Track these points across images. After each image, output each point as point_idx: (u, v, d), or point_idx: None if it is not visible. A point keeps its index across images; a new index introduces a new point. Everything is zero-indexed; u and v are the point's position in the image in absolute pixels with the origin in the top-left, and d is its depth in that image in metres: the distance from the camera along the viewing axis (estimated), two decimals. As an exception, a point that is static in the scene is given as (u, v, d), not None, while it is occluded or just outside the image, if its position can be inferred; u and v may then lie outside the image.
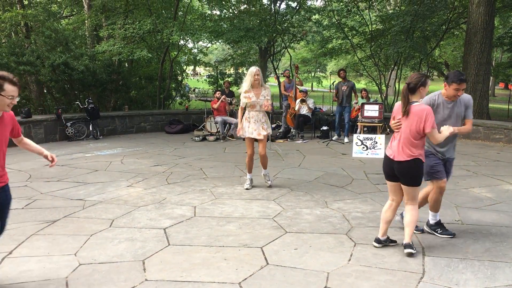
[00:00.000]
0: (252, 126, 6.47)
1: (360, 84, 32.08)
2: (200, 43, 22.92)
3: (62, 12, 21.72)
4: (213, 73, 22.58)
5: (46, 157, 3.66)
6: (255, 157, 6.72)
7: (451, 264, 3.86)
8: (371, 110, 10.07)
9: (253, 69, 6.50)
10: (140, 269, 3.81)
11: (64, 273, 3.73)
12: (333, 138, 11.61)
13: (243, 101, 6.49)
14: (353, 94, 11.71)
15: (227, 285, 3.52)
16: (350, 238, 4.52)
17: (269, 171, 6.87)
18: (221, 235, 4.63)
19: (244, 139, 6.75)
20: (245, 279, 3.62)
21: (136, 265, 3.89)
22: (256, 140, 6.56)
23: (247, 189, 6.56)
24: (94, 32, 16.96)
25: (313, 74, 49.07)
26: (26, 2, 17.78)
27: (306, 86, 41.77)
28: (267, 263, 3.92)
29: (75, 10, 20.77)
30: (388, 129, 13.07)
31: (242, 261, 3.97)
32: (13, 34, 15.85)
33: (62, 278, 3.64)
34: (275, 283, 3.55)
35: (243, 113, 6.64)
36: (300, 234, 4.66)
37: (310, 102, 12.29)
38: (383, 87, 17.75)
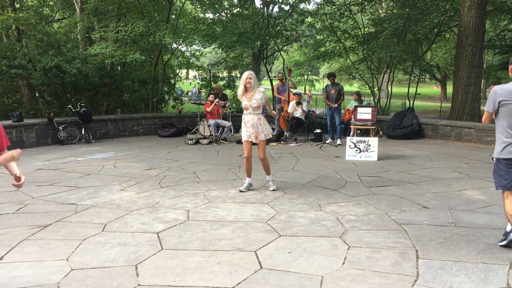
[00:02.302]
0: (249, 129, 6.56)
1: (353, 87, 32.21)
2: (194, 46, 22.91)
3: (54, 15, 21.62)
4: (206, 76, 22.59)
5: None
6: (256, 161, 6.87)
7: (445, 267, 3.86)
8: (364, 113, 10.08)
9: (245, 73, 6.58)
10: (133, 274, 3.78)
11: (56, 278, 3.69)
12: (327, 141, 11.63)
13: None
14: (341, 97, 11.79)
15: (221, 290, 3.50)
16: (344, 241, 4.51)
17: (272, 177, 6.87)
18: (214, 239, 4.60)
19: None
20: (239, 283, 3.60)
21: (129, 270, 3.85)
22: (254, 143, 6.66)
23: (241, 191, 6.57)
24: (86, 35, 16.88)
25: (306, 77, 49.23)
26: (17, 6, 17.68)
27: (299, 89, 41.89)
28: (261, 267, 3.90)
29: (67, 13, 20.68)
30: (381, 132, 13.12)
31: (236, 265, 3.94)
32: (4, 38, 15.75)
33: (54, 283, 3.60)
34: (269, 287, 3.53)
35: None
36: (294, 237, 4.64)
37: (303, 105, 12.32)
38: (376, 90, 17.82)
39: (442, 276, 3.68)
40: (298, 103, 12.07)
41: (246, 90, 6.53)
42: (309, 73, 48.63)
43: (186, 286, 3.55)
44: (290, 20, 18.69)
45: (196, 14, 20.44)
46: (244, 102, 6.54)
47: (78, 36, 17.75)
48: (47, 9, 21.47)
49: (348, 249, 4.31)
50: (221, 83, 21.89)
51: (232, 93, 21.06)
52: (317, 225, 5.04)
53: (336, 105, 11.33)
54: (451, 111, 14.51)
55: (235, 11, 21.35)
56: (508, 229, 4.25)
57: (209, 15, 21.75)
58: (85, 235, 4.70)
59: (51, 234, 4.73)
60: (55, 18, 21.62)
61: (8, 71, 11.96)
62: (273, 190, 6.64)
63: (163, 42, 13.82)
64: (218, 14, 20.90)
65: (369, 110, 10.14)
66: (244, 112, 6.66)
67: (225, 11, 21.83)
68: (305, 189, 6.73)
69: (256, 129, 6.56)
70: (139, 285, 3.58)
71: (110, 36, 14.51)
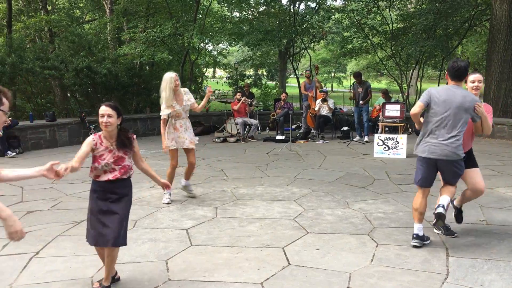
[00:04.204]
0: (183, 135, 5.94)
1: (381, 84, 31.78)
2: (220, 45, 23.06)
3: (84, 17, 22.12)
4: (233, 74, 22.72)
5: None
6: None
7: (475, 265, 3.81)
8: (393, 110, 9.96)
9: (171, 74, 5.77)
10: (163, 269, 3.86)
11: (90, 272, 3.80)
12: (355, 139, 11.54)
13: (165, 112, 5.80)
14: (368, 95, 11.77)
15: (250, 285, 3.54)
16: (372, 239, 4.49)
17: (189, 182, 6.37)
18: (242, 235, 4.65)
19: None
20: (267, 279, 3.63)
21: (159, 265, 3.94)
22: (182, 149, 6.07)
23: (168, 203, 5.92)
24: (116, 36, 17.20)
25: (333, 75, 48.90)
26: (49, 8, 18.17)
27: (326, 87, 41.55)
28: (289, 264, 3.93)
29: (97, 15, 21.13)
30: (410, 129, 12.94)
31: (264, 261, 3.98)
32: (37, 39, 16.21)
33: (87, 277, 3.71)
34: (297, 283, 3.56)
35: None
36: (321, 234, 4.65)
37: (330, 102, 12.26)
38: (405, 87, 17.57)
39: (473, 274, 3.64)
40: (324, 100, 12.03)
41: (173, 93, 5.78)
42: (334, 70, 48.23)
43: (215, 282, 3.61)
44: (316, 17, 18.60)
45: (222, 13, 20.56)
46: (177, 108, 5.79)
47: (108, 37, 18.10)
48: (77, 11, 21.98)
49: (377, 246, 4.29)
50: (248, 81, 21.96)
51: (259, 91, 21.11)
52: (344, 222, 5.03)
53: (362, 102, 11.26)
54: (483, 107, 14.17)
55: (261, 9, 21.39)
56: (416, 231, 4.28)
57: (236, 14, 21.87)
58: (116, 231, 4.81)
59: (84, 230, 4.80)
60: (86, 19, 22.11)
61: (41, 72, 12.30)
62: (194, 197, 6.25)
63: (191, 44, 13.94)
64: (244, 13, 21.01)
65: (398, 107, 10.01)
66: (174, 118, 5.89)
67: (252, 9, 21.92)
68: (333, 187, 6.71)
69: (190, 134, 6.01)
70: (169, 280, 3.66)
71: (138, 36, 14.75)
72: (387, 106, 10.11)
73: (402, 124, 10.30)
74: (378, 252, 4.14)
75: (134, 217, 5.30)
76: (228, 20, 18.28)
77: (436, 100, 4.08)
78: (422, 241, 4.22)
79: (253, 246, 4.34)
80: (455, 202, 4.69)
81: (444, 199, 4.17)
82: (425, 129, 4.19)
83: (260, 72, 35.64)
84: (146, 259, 4.08)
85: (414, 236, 4.23)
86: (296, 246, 4.33)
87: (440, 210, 4.08)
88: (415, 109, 4.19)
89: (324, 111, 12.08)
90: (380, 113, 11.24)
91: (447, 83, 4.32)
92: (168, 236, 4.68)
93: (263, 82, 23.95)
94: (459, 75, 4.10)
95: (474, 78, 4.31)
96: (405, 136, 9.25)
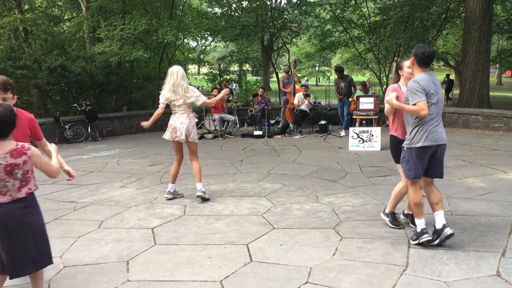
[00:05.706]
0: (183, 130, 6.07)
1: (364, 77, 31.89)
2: (202, 41, 22.94)
3: (63, 16, 21.80)
4: (212, 70, 22.63)
5: None
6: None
7: (435, 256, 3.83)
8: (367, 103, 9.99)
9: (178, 67, 5.93)
10: (123, 270, 3.82)
11: (48, 275, 3.73)
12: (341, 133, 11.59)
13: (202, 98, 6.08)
14: (352, 88, 11.84)
15: (209, 283, 3.51)
16: (337, 233, 4.49)
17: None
18: (208, 233, 4.62)
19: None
20: (227, 276, 3.61)
21: (120, 266, 3.89)
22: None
23: (170, 198, 5.95)
24: (91, 34, 16.98)
25: (317, 69, 49.03)
26: (26, 7, 17.88)
27: (312, 81, 41.44)
28: (251, 260, 3.91)
29: (75, 13, 20.83)
30: (387, 121, 13.01)
31: (226, 258, 3.96)
32: (12, 39, 15.92)
33: (45, 280, 3.64)
34: (256, 280, 3.54)
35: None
36: (287, 229, 4.64)
37: (311, 97, 12.28)
38: (384, 79, 17.64)
39: (432, 265, 3.66)
40: (306, 95, 12.02)
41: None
42: (318, 64, 48.33)
43: (174, 281, 3.58)
44: (296, 12, 18.55)
45: (201, 9, 20.43)
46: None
47: (85, 35, 17.85)
48: (56, 10, 21.63)
49: (341, 240, 4.29)
50: (228, 77, 21.83)
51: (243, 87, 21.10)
52: (312, 217, 5.03)
53: (347, 99, 11.42)
54: (459, 98, 14.33)
55: (244, 4, 21.32)
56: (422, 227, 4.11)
57: (217, 10, 21.75)
58: (81, 232, 4.75)
59: (48, 232, 4.78)
60: (64, 18, 21.79)
61: (14, 72, 12.07)
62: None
63: (165, 41, 13.78)
64: (226, 8, 20.91)
65: (371, 99, 10.04)
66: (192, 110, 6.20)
67: (233, 5, 21.82)
68: (304, 181, 6.70)
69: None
70: (128, 280, 3.62)
71: (114, 34, 14.55)
72: (361, 99, 10.14)
73: (376, 117, 10.34)
74: (341, 246, 4.14)
75: (100, 218, 5.24)
76: (205, 16, 18.15)
77: (429, 90, 3.89)
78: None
79: (217, 244, 4.31)
80: (405, 211, 4.70)
81: (442, 217, 4.05)
82: (422, 119, 3.90)
83: (245, 68, 35.59)
84: (108, 260, 4.03)
85: (424, 230, 4.02)
86: (261, 242, 4.31)
87: (450, 231, 3.94)
88: (425, 108, 3.81)
89: (303, 105, 12.07)
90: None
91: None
92: (133, 235, 4.63)
93: (243, 78, 23.75)
94: (428, 61, 4.02)
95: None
96: (379, 128, 9.28)
